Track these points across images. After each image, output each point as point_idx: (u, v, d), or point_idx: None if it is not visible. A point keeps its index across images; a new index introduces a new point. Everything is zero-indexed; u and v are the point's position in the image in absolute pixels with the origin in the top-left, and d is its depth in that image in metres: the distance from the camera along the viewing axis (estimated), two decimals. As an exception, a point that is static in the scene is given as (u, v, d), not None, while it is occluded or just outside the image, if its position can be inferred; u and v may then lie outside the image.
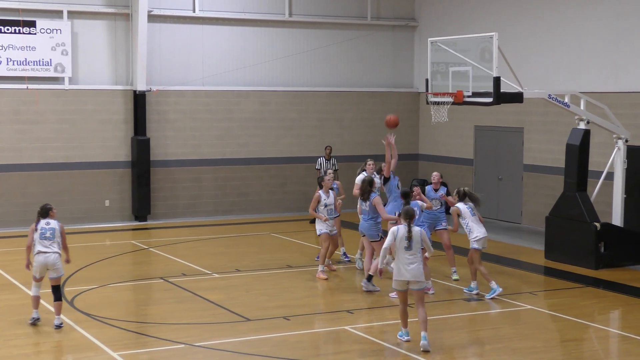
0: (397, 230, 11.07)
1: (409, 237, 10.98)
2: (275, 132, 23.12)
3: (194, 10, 22.05)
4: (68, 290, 13.92)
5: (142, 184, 21.30)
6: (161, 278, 15.11)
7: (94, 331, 11.69)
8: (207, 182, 22.40)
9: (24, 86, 20.34)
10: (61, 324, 11.81)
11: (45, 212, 12.01)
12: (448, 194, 15.17)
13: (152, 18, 21.37)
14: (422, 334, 10.94)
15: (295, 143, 23.33)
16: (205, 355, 10.80)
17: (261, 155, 22.93)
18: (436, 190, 15.06)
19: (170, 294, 14.07)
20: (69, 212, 20.69)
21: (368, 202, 14.10)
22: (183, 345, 11.09)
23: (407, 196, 13.54)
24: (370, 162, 15.95)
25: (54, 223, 11.94)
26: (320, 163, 21.34)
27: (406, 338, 11.25)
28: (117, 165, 21.37)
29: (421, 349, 10.85)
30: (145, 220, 21.46)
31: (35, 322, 11.93)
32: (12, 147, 20.40)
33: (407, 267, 10.92)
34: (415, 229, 11.11)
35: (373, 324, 12.17)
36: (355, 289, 14.41)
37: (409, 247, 10.96)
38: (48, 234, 11.84)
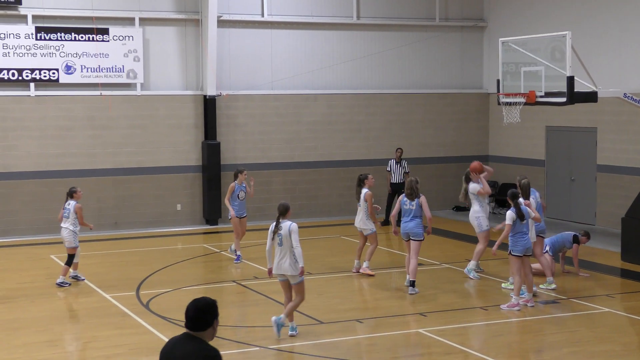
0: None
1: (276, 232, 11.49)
2: (343, 134, 23.14)
3: (262, 15, 22.20)
4: (143, 294, 14.12)
5: (212, 188, 21.52)
6: (233, 281, 15.23)
7: (169, 334, 11.79)
8: (276, 185, 22.53)
9: (97, 93, 20.73)
10: (62, 282, 14.51)
11: (70, 194, 14.77)
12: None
13: (222, 23, 21.59)
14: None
15: (364, 146, 23.30)
16: (279, 358, 10.85)
17: (330, 159, 22.96)
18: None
19: (243, 297, 14.17)
20: (141, 216, 21.02)
21: (415, 201, 14.02)
22: (258, 348, 11.15)
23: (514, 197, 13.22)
24: (370, 176, 15.74)
25: (72, 204, 14.61)
26: (391, 165, 21.33)
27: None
28: (188, 169, 21.63)
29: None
30: (216, 224, 21.66)
31: (61, 284, 14.57)
32: (86, 153, 20.80)
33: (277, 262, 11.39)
34: (285, 224, 11.44)
35: (447, 326, 12.06)
36: (426, 291, 14.30)
37: (280, 243, 11.43)
38: (66, 213, 14.66)
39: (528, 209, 13.25)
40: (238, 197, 16.86)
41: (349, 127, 23.18)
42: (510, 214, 12.98)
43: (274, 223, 11.64)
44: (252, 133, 22.25)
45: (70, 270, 14.90)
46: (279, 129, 22.50)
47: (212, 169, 21.53)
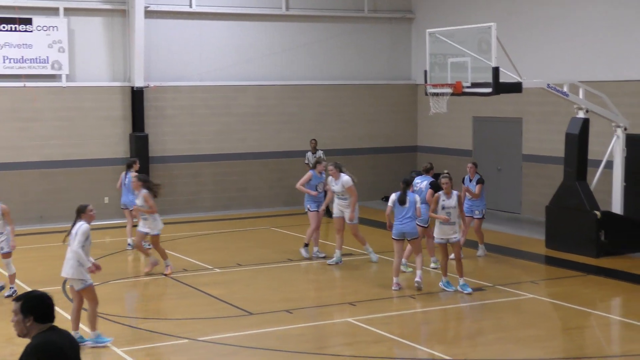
0: None
1: None
2: (273, 126, 23.11)
3: (190, 6, 22.01)
4: (70, 288, 13.88)
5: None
6: (162, 274, 15.10)
7: (97, 327, 11.67)
8: (206, 177, 22.40)
9: (21, 84, 20.31)
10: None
11: None
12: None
13: (149, 14, 21.34)
14: None
15: (294, 137, 23.31)
16: (208, 349, 10.81)
17: (260, 150, 22.92)
18: (471, 180, 16.21)
19: (172, 290, 14.08)
20: (68, 209, 20.58)
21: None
22: (186, 340, 11.09)
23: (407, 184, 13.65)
24: (325, 164, 16.04)
25: None
26: (308, 157, 21.28)
27: None
28: (116, 162, 21.35)
29: None
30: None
31: None
32: (11, 146, 20.38)
33: None
34: (77, 225, 10.90)
35: (375, 315, 12.17)
36: (356, 281, 14.41)
37: (70, 244, 11.04)
38: None
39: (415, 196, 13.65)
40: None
41: (280, 118, 23.17)
42: (418, 197, 13.68)
43: (72, 223, 11.10)
44: (181, 125, 22.07)
45: None
46: (209, 121, 22.36)
47: (140, 161, 21.22)
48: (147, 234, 15.09)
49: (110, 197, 21.26)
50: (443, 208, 13.34)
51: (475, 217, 16.25)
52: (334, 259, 15.67)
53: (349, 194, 15.45)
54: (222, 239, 18.83)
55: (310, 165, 21.05)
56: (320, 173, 16.37)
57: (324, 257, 16.08)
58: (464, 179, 16.53)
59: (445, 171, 14.79)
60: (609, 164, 16.99)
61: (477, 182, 16.24)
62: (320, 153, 21.17)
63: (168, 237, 18.89)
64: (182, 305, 13.00)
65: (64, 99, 20.82)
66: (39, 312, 5.51)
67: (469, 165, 16.50)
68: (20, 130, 20.44)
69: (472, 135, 22.86)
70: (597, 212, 16.26)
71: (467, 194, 16.07)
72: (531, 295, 13.36)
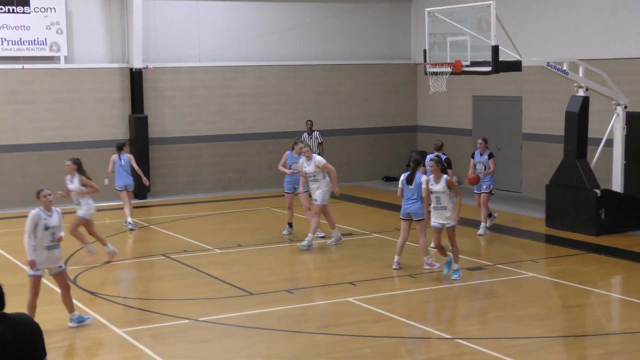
0: None
1: None
2: (272, 107, 23.07)
3: (188, -14, 21.93)
4: (71, 270, 13.91)
5: (140, 162, 21.15)
6: (163, 255, 15.12)
7: (98, 309, 11.72)
8: (205, 158, 22.38)
9: (19, 66, 20.24)
10: None
11: None
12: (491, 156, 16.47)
13: (147, -5, 21.25)
14: None
15: (293, 117, 23.27)
16: (209, 329, 10.83)
17: (259, 131, 22.89)
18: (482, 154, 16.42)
19: (173, 271, 14.09)
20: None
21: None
22: (187, 321, 11.11)
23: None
24: (302, 145, 15.82)
25: None
26: (304, 138, 21.19)
27: None
28: (115, 143, 21.26)
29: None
30: (144, 198, 21.45)
31: None
32: (10, 128, 20.35)
33: None
34: None
35: (376, 294, 12.19)
36: (356, 260, 14.42)
37: None
38: None
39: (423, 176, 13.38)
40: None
41: (278, 99, 23.12)
42: (424, 178, 13.34)
43: None
44: (180, 106, 22.03)
45: None
46: (207, 102, 22.32)
47: (140, 143, 21.28)
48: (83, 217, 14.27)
49: (110, 178, 21.22)
50: (431, 192, 12.95)
51: (482, 191, 16.33)
52: (306, 242, 15.30)
53: (326, 171, 15.32)
54: (222, 219, 18.83)
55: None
56: (298, 154, 16.20)
57: (322, 237, 16.09)
58: (473, 154, 16.69)
59: (436, 153, 14.64)
60: (609, 142, 16.96)
61: (489, 157, 16.34)
62: (316, 134, 21.13)
63: (168, 218, 18.93)
64: (182, 286, 13.01)
65: (63, 80, 20.76)
66: None
67: (479, 141, 16.65)
68: (19, 112, 20.40)
69: (472, 115, 22.82)
70: (597, 191, 16.26)
71: (481, 170, 16.36)
72: (531, 274, 13.38)
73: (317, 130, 21.37)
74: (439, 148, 15.70)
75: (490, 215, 16.86)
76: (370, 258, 14.61)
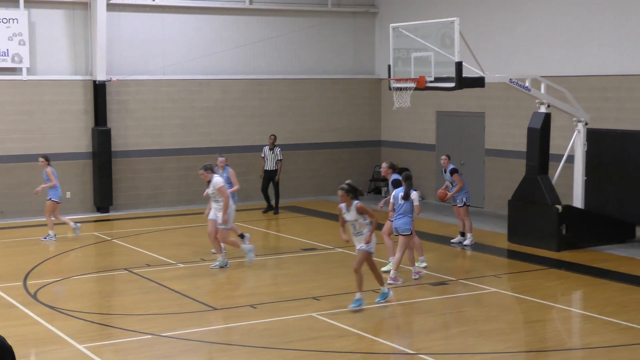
0: None
1: None
2: (237, 120, 23.04)
3: (153, -1, 21.86)
4: (31, 284, 13.76)
5: (103, 175, 21.12)
6: (125, 269, 15.00)
7: (58, 324, 11.58)
8: (169, 172, 22.28)
9: (-20, 77, 20.03)
10: None
11: None
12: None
13: (111, 7, 21.15)
14: None
15: (258, 131, 23.26)
16: (172, 345, 10.75)
17: (223, 144, 22.81)
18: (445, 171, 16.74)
19: (135, 285, 13.98)
20: (29, 204, 20.45)
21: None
22: (150, 336, 11.02)
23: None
24: (221, 158, 16.40)
25: None
26: (265, 152, 21.21)
27: None
28: (78, 156, 21.16)
29: None
30: (107, 211, 21.29)
31: None
32: (-30, 140, 20.11)
33: None
34: None
35: (339, 310, 12.18)
36: (319, 275, 14.42)
37: None
38: None
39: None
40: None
41: (243, 112, 23.10)
42: (416, 194, 13.68)
43: None
44: (145, 119, 21.92)
45: None
46: (172, 115, 22.24)
47: (102, 156, 21.13)
48: None
49: (73, 191, 21.07)
50: (346, 221, 12.31)
51: (457, 205, 16.70)
52: (217, 263, 14.98)
53: (220, 196, 14.76)
54: (185, 233, 18.74)
55: (266, 160, 21.05)
56: (223, 169, 16.44)
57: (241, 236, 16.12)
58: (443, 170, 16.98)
59: (347, 181, 14.06)
60: (570, 158, 17.17)
61: (452, 173, 16.46)
62: (277, 150, 21.04)
63: (131, 232, 18.79)
64: (145, 301, 12.91)
65: (25, 92, 20.57)
66: None
67: (442, 157, 16.81)
68: (-20, 124, 20.16)
69: (436, 130, 22.97)
70: (559, 206, 16.43)
71: (449, 186, 16.66)
72: (494, 289, 13.47)
73: (279, 146, 21.29)
74: (394, 167, 15.49)
75: (462, 233, 16.98)
76: (334, 273, 14.61)
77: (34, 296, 13.01)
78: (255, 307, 12.38)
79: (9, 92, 20.39)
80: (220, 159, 16.81)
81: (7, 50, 20.21)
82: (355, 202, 12.07)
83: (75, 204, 21.11)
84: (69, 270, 14.92)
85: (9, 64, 20.31)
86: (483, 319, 11.81)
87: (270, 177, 21.09)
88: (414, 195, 13.65)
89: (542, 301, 12.70)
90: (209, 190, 14.91)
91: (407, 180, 13.72)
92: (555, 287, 13.73)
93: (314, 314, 11.98)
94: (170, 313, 12.16)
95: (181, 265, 15.33)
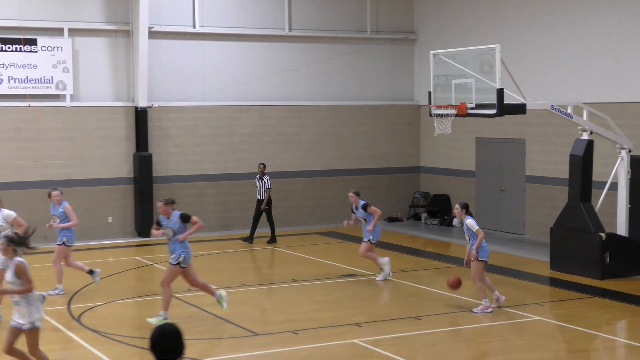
0: None
1: None
2: (275, 146, 23.14)
3: (194, 26, 22.11)
4: (75, 307, 13.88)
5: (144, 200, 21.29)
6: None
7: (102, 348, 11.66)
8: (208, 197, 22.40)
9: (25, 104, 20.35)
10: None
11: None
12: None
13: (153, 34, 21.42)
14: None
15: (296, 157, 23.34)
16: (215, 370, 10.77)
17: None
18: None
19: (177, 310, 14.01)
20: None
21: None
22: (192, 361, 11.04)
23: None
24: (55, 192, 15.03)
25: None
26: (256, 181, 20.88)
27: None
28: (119, 181, 21.36)
29: None
30: (148, 236, 21.41)
31: None
32: (13, 165, 20.40)
33: None
34: None
35: (381, 336, 12.14)
36: (359, 302, 14.37)
37: None
38: None
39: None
40: None
41: (281, 138, 23.21)
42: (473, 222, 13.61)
43: None
44: (184, 145, 22.10)
45: None
46: (211, 141, 22.40)
47: (144, 181, 21.32)
48: None
49: (114, 216, 21.26)
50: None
51: (363, 241, 16.16)
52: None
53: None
54: (226, 258, 18.80)
55: (258, 189, 20.68)
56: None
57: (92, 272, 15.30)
58: (353, 208, 16.23)
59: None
60: (614, 186, 17.00)
61: (364, 208, 15.96)
62: (266, 179, 20.71)
63: (171, 257, 18.86)
64: (187, 326, 12.94)
65: (68, 118, 20.86)
66: None
67: (350, 194, 16.20)
68: (23, 150, 20.46)
69: (475, 156, 22.89)
70: (602, 234, 16.25)
71: (362, 222, 16.14)
72: (537, 317, 13.33)
73: (267, 175, 21.01)
74: (358, 194, 16.04)
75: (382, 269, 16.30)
76: (374, 299, 14.56)
77: (78, 320, 13.11)
78: (296, 333, 12.37)
79: (52, 119, 20.69)
80: (55, 192, 15.05)
81: (52, 77, 20.52)
82: (17, 259, 9.67)
83: (116, 228, 21.29)
84: (112, 294, 15.02)
85: (53, 91, 20.62)
86: (526, 348, 11.69)
87: (258, 206, 20.82)
88: (467, 221, 13.62)
89: (586, 330, 12.55)
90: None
91: (466, 208, 13.85)
92: (600, 316, 13.56)
93: (355, 341, 11.94)
94: (211, 338, 12.19)
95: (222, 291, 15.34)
